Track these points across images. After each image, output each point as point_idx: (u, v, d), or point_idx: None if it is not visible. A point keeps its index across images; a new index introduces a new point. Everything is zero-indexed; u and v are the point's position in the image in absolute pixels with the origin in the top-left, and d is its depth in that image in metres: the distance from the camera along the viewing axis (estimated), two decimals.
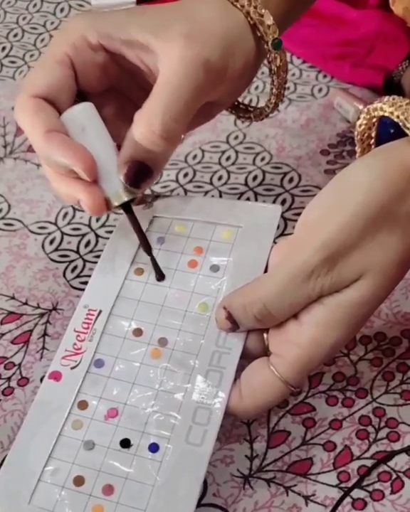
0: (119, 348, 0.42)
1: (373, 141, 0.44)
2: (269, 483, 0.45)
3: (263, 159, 0.64)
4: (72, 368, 0.41)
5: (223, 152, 0.65)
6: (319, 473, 0.45)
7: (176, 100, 0.40)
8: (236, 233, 0.46)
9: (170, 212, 0.48)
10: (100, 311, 0.43)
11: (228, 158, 0.64)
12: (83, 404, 0.40)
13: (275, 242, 0.45)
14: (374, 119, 0.43)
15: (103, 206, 0.42)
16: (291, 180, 0.62)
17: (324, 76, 0.71)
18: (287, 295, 0.39)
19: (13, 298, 0.56)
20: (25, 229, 0.60)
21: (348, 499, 0.44)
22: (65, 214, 0.61)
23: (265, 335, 0.42)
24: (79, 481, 0.38)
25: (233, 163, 0.64)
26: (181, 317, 0.43)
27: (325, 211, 0.39)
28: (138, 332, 0.43)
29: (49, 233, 0.60)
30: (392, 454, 0.45)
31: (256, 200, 0.60)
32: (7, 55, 0.77)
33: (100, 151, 0.42)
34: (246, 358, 0.42)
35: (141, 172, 0.42)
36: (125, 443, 0.39)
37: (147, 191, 0.60)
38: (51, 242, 0.59)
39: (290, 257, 0.40)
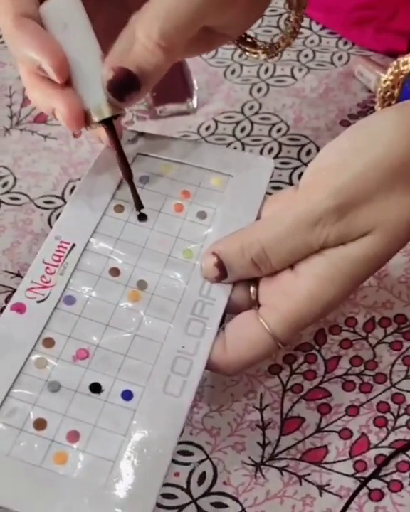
0: (94, 285, 0.39)
1: (395, 102, 0.41)
2: (282, 472, 0.43)
3: (279, 130, 0.61)
4: (38, 302, 0.38)
5: (238, 123, 0.62)
6: (334, 462, 0.43)
7: (182, 7, 0.37)
8: (226, 182, 0.43)
9: (155, 152, 0.44)
10: (74, 245, 0.40)
11: (242, 130, 0.61)
12: (49, 342, 0.37)
13: (268, 194, 0.43)
14: (401, 76, 0.39)
15: (81, 118, 0.37)
16: (309, 152, 0.59)
17: (345, 43, 0.67)
18: (289, 240, 0.37)
19: (18, 275, 0.54)
20: (31, 203, 0.58)
21: (364, 490, 0.42)
22: (73, 188, 0.58)
23: (252, 288, 0.39)
24: (40, 424, 0.34)
25: (247, 135, 0.61)
26: (163, 261, 0.40)
27: (342, 158, 0.37)
28: (115, 272, 0.39)
29: (56, 208, 0.57)
30: None
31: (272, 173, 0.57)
32: None
33: (82, 54, 0.38)
34: (230, 312, 0.40)
35: (127, 82, 0.37)
36: (95, 387, 0.36)
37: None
38: (58, 217, 0.57)
39: (298, 201, 0.37)
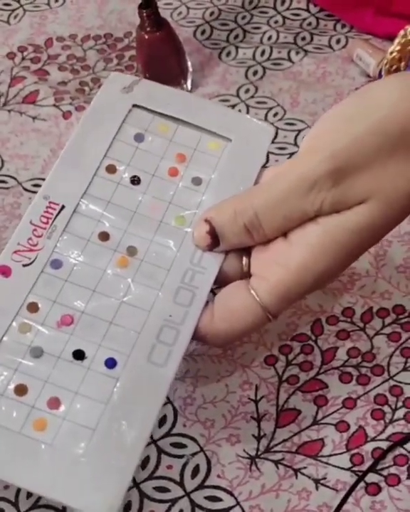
0: (82, 250, 0.38)
1: None
2: (277, 465, 0.42)
3: (275, 114, 0.59)
4: (24, 265, 0.37)
5: (233, 106, 0.60)
6: (330, 456, 0.43)
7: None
8: (224, 147, 0.42)
9: (152, 104, 0.42)
10: (63, 207, 0.38)
11: None
12: (34, 307, 0.36)
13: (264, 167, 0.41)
14: (409, 47, 0.38)
15: None
16: None
17: (343, 26, 0.66)
18: (283, 206, 0.36)
19: None
20: (19, 187, 0.56)
21: (361, 483, 0.41)
22: None
23: (244, 259, 0.38)
24: (21, 390, 0.34)
25: None
26: (154, 227, 0.39)
27: (341, 122, 0.36)
28: (104, 236, 0.38)
29: None
30: (409, 436, 0.43)
31: (268, 159, 0.56)
32: None
33: None
34: (221, 282, 0.38)
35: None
36: (79, 354, 0.35)
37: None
38: None
39: (294, 166, 0.36)
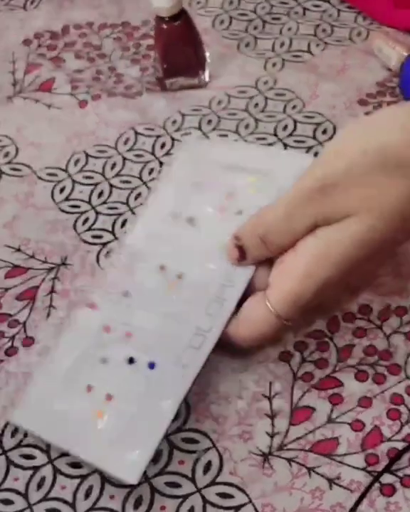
0: (145, 280, 0.46)
1: None
2: (290, 463, 0.42)
3: (294, 107, 0.58)
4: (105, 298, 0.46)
5: (251, 98, 0.59)
6: (345, 455, 0.42)
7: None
8: (263, 180, 0.47)
9: (209, 156, 0.50)
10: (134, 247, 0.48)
11: (256, 105, 0.59)
12: (107, 328, 0.45)
13: None
14: None
15: None
16: (325, 131, 0.56)
17: (364, 18, 0.65)
18: (286, 220, 0.40)
19: (19, 250, 0.51)
20: (33, 175, 0.56)
21: (376, 484, 0.41)
22: (77, 160, 0.56)
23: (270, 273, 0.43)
24: (89, 388, 0.43)
25: (261, 111, 0.58)
26: (203, 257, 0.46)
27: (344, 143, 0.40)
28: (162, 268, 0.46)
29: (59, 181, 0.55)
30: None
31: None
32: None
33: None
34: (251, 294, 0.43)
35: None
36: (131, 360, 0.43)
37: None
38: (61, 190, 0.55)
39: (296, 185, 0.41)
